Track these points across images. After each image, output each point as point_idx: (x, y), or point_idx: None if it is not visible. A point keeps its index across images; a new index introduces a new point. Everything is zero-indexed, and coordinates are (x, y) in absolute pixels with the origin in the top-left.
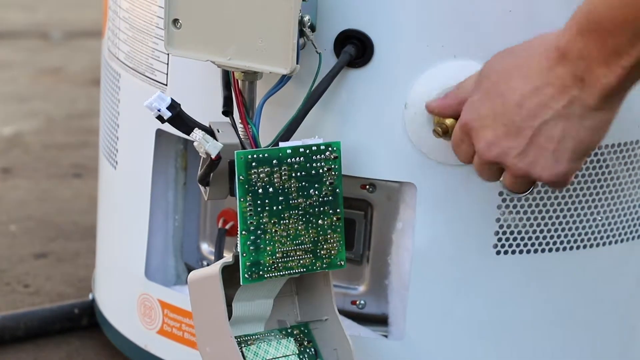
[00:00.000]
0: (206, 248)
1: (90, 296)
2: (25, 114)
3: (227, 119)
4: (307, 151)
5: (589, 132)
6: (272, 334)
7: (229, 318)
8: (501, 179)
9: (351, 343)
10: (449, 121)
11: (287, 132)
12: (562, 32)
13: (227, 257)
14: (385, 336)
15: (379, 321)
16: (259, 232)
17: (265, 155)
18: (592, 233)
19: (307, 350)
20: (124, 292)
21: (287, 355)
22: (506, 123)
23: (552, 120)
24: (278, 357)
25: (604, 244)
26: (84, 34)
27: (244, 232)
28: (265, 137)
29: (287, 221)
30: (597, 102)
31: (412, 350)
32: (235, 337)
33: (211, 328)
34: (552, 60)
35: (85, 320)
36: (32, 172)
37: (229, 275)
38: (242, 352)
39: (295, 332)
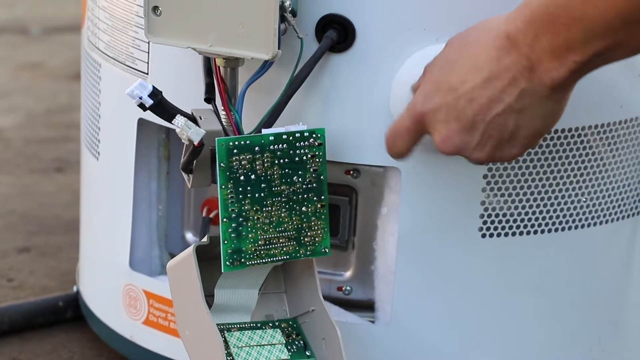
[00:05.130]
0: (191, 237)
1: (75, 288)
2: (5, 109)
3: (210, 106)
4: (291, 138)
5: (541, 120)
6: (259, 324)
7: (210, 306)
8: None
9: (338, 330)
10: None
11: (270, 119)
12: (514, 17)
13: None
14: (372, 322)
15: (366, 307)
16: (240, 219)
17: (247, 142)
18: (577, 214)
19: (296, 342)
20: (109, 284)
21: (274, 344)
22: (459, 117)
23: (503, 113)
24: (263, 345)
25: (589, 225)
26: (63, 29)
27: (225, 220)
28: (249, 124)
29: (269, 208)
30: (547, 93)
31: (399, 335)
32: (218, 325)
33: (189, 310)
34: (501, 49)
35: (69, 313)
36: (13, 167)
37: (212, 269)
38: (224, 337)
39: (283, 325)
